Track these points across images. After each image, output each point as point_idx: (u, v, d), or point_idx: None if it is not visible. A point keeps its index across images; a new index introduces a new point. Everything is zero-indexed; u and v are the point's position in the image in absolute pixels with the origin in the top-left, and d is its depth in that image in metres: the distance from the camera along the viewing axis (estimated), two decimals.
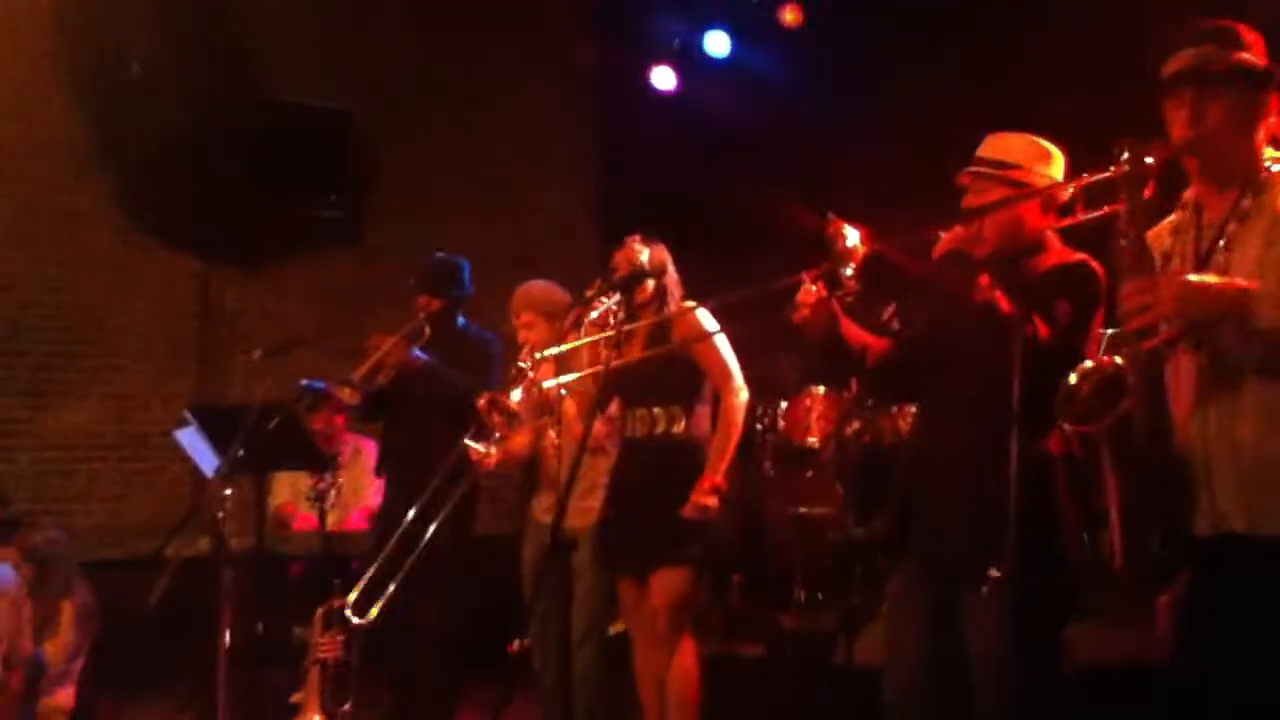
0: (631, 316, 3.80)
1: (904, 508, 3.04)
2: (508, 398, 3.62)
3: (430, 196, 7.41)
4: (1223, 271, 2.37)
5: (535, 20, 7.76)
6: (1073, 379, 2.30)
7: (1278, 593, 2.32)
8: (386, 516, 4.91)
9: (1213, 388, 2.38)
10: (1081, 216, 2.75)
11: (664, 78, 7.34)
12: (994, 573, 2.47)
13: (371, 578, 3.89)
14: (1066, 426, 2.50)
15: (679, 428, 3.88)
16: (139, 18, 6.13)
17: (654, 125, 7.42)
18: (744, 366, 3.98)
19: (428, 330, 4.87)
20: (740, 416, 3.87)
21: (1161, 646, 4.00)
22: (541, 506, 4.59)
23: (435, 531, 4.56)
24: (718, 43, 7.20)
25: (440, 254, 5.14)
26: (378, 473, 5.21)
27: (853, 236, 2.81)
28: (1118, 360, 2.26)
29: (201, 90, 6.25)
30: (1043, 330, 2.64)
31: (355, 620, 3.83)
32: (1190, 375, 2.43)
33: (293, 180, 6.67)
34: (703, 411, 3.95)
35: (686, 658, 3.83)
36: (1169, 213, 2.60)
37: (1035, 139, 3.03)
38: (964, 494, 2.84)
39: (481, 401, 3.53)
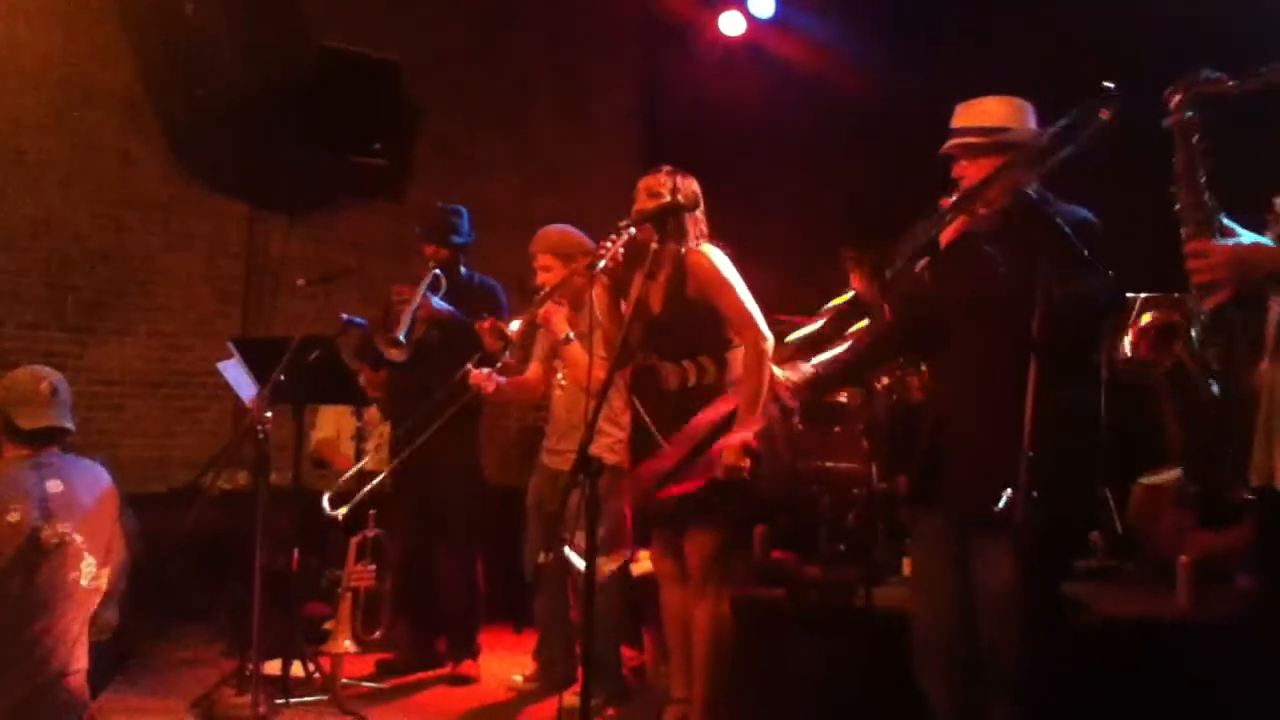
0: (648, 251, 3.69)
1: (927, 461, 3.13)
2: (507, 324, 3.81)
3: (474, 155, 7.52)
4: None
5: None
6: (1129, 337, 2.40)
7: None
8: (397, 456, 5.04)
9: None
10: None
11: (733, 23, 7.31)
12: (1007, 492, 2.51)
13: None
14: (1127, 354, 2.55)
15: (709, 378, 3.77)
16: None
17: (702, 94, 7.42)
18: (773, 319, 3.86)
19: (443, 282, 4.99)
20: (765, 366, 3.69)
21: (1180, 605, 4.08)
22: (548, 448, 4.71)
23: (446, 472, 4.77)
24: (763, 4, 7.18)
25: (441, 205, 5.26)
26: (384, 416, 5.30)
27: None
28: (1172, 316, 2.35)
29: (253, 37, 6.37)
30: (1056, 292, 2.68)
31: (330, 512, 4.42)
32: (1273, 322, 2.49)
33: (340, 129, 6.77)
34: (736, 355, 3.81)
35: (721, 606, 3.79)
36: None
37: (1008, 97, 3.08)
38: (981, 445, 2.91)
39: (483, 325, 3.67)
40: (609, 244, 3.50)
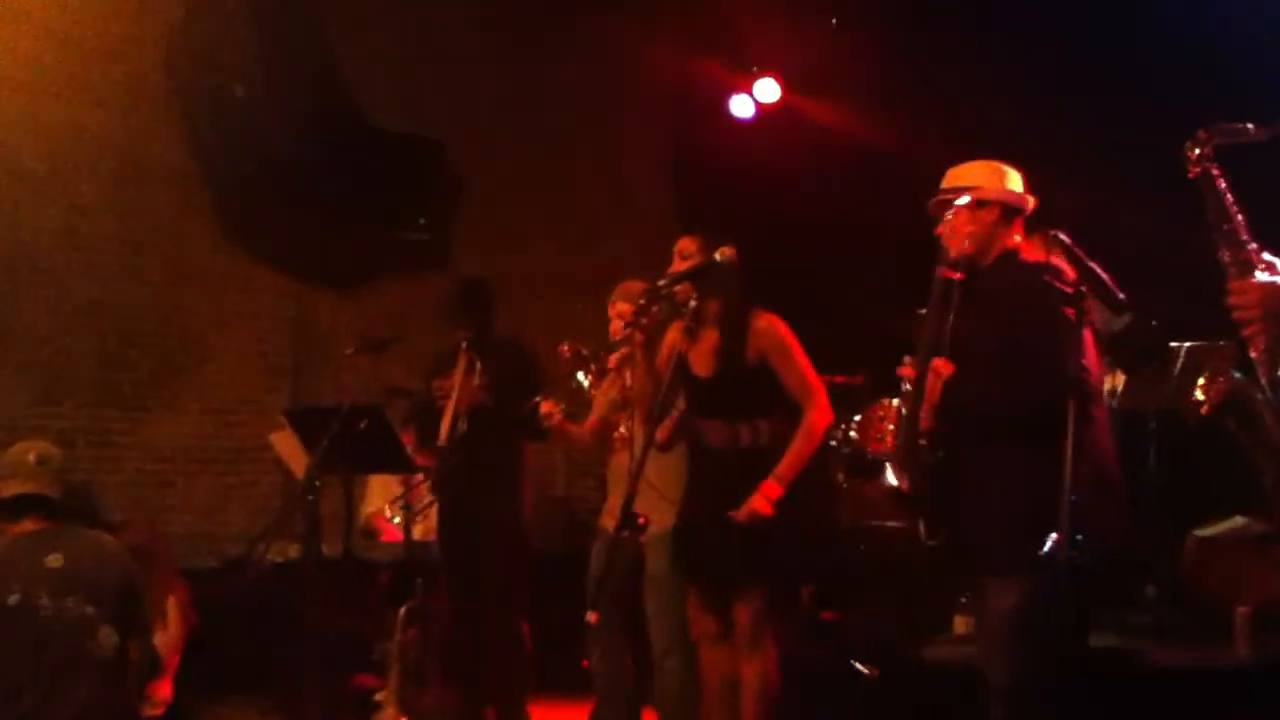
0: (698, 314, 3.73)
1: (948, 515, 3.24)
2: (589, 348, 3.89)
3: (514, 225, 7.63)
4: None
5: (619, 56, 7.97)
6: (1199, 395, 2.46)
7: None
8: (446, 524, 5.08)
9: None
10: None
11: (743, 105, 7.45)
12: (1053, 536, 2.57)
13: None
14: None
15: (764, 440, 3.80)
16: (245, 45, 6.46)
17: (733, 158, 7.52)
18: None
19: (479, 364, 4.93)
20: (820, 434, 3.80)
21: (1239, 655, 4.02)
22: (609, 511, 4.70)
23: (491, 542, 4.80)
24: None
25: (460, 281, 5.29)
26: (432, 488, 5.31)
27: None
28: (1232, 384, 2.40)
29: (301, 116, 6.54)
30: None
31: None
32: None
33: (385, 205, 6.92)
34: (787, 427, 3.82)
35: (769, 664, 3.77)
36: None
37: (991, 161, 3.29)
38: (978, 494, 3.10)
39: (565, 347, 3.74)
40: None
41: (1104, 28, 5.87)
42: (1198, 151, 2.51)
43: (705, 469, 3.92)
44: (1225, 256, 2.46)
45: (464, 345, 4.98)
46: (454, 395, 4.82)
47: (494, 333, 5.18)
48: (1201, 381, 2.53)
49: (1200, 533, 4.71)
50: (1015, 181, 3.28)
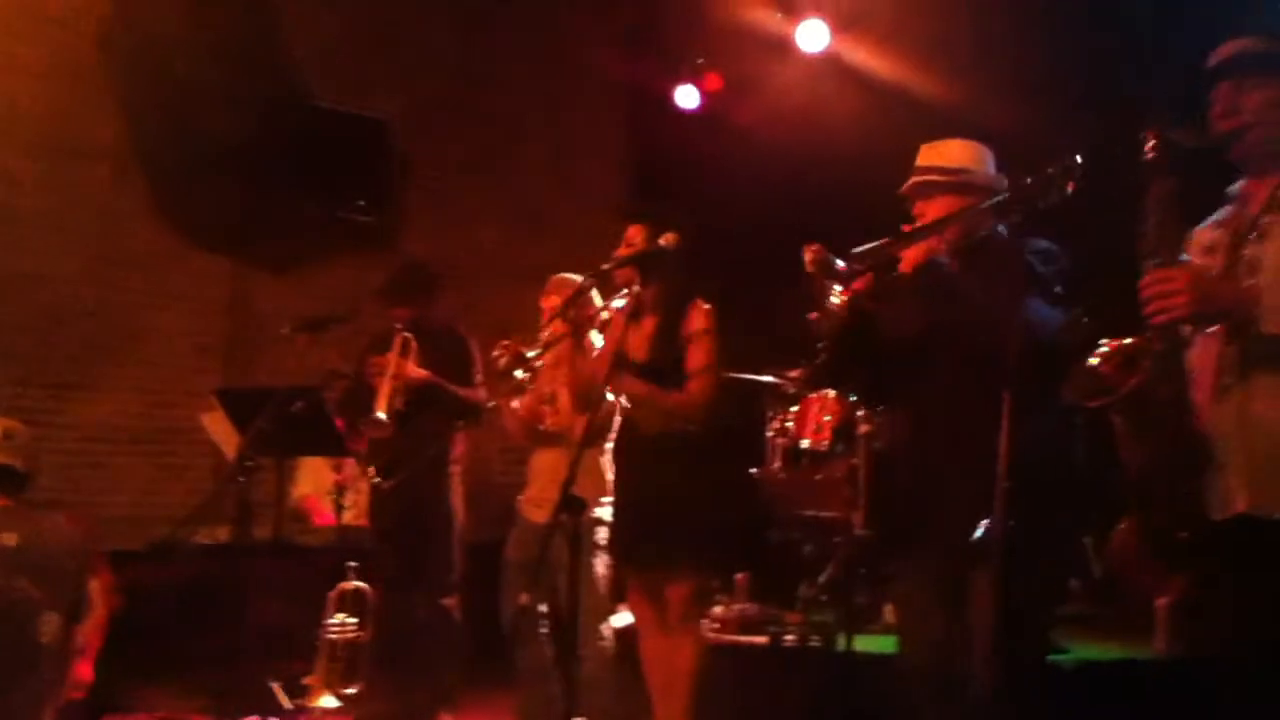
0: (641, 299, 3.80)
1: (909, 504, 3.19)
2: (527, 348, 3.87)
3: (460, 211, 7.58)
4: (1254, 264, 2.42)
5: (569, 43, 7.94)
6: (1092, 361, 2.42)
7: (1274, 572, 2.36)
8: (379, 509, 5.08)
9: (1232, 372, 2.43)
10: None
11: (688, 97, 7.44)
12: (984, 523, 2.55)
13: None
14: (1088, 405, 2.55)
15: (694, 425, 3.82)
16: (182, 22, 6.33)
17: (683, 147, 7.51)
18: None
19: (413, 343, 4.98)
20: (683, 409, 3.79)
21: (1158, 648, 4.09)
22: (528, 499, 4.71)
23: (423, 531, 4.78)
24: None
25: (406, 262, 5.34)
26: (365, 465, 5.27)
27: (836, 262, 2.93)
28: (1131, 340, 2.36)
29: (241, 94, 6.44)
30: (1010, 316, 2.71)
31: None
32: (1214, 359, 2.47)
33: (326, 185, 6.83)
34: (714, 413, 3.86)
35: (699, 646, 3.87)
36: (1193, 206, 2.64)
37: (970, 142, 3.18)
38: (957, 486, 2.94)
39: (503, 344, 3.73)
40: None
41: None
42: (1153, 141, 2.49)
43: (635, 454, 3.94)
44: (1150, 247, 2.45)
45: (398, 326, 4.96)
46: (388, 372, 4.79)
47: (433, 318, 5.16)
48: (1093, 360, 2.47)
49: (1124, 526, 4.78)
50: (991, 163, 3.20)
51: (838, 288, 2.96)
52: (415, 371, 4.90)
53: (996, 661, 2.78)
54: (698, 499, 3.77)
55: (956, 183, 3.11)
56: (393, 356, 4.88)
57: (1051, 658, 3.75)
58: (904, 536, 3.26)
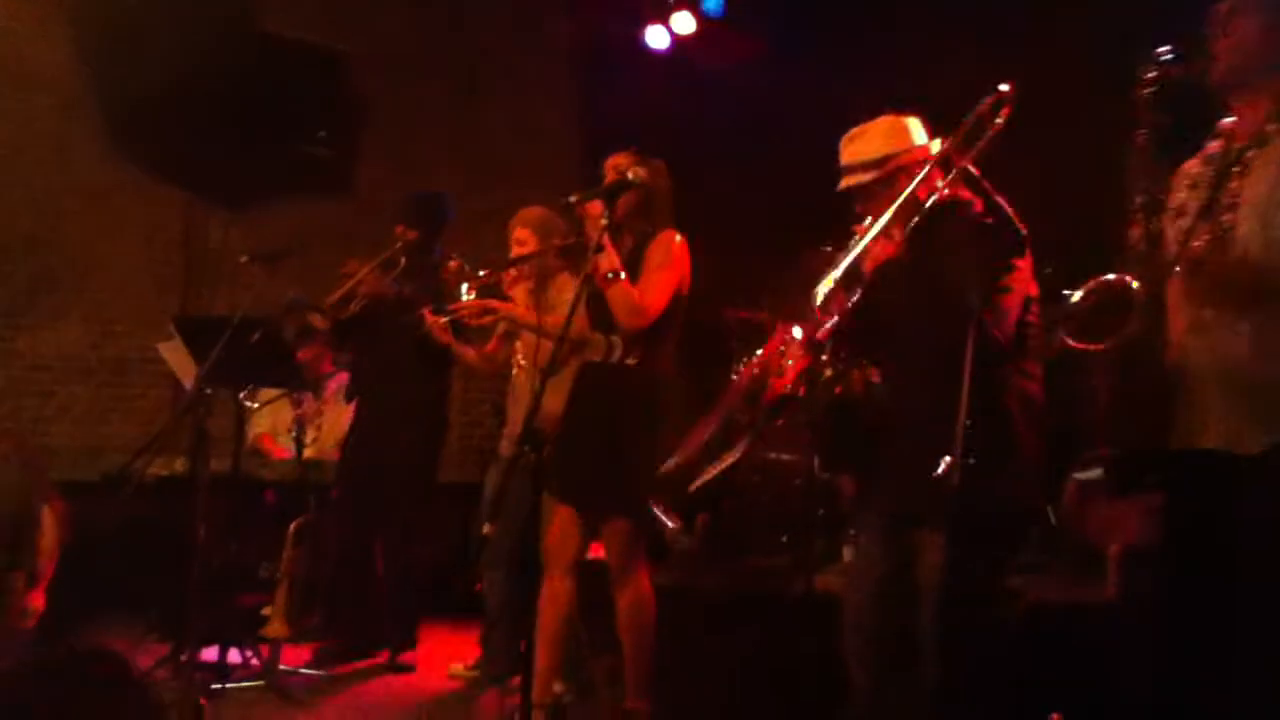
0: (615, 230, 3.69)
1: (868, 456, 3.21)
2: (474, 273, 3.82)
3: (418, 150, 7.47)
4: (1234, 199, 2.40)
5: None
6: (1076, 296, 2.42)
7: (1248, 512, 2.38)
8: (354, 443, 5.04)
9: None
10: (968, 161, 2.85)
11: (658, 37, 7.36)
12: (945, 459, 2.56)
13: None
14: (1070, 342, 2.54)
15: (633, 359, 3.76)
16: None
17: (644, 96, 7.44)
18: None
19: (403, 261, 4.96)
20: (623, 309, 3.67)
21: (1108, 593, 4.17)
22: (507, 435, 4.70)
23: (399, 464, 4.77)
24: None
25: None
26: (347, 398, 5.28)
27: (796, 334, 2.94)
28: (1125, 278, 2.37)
29: (195, 23, 6.29)
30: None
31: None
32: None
33: (282, 118, 6.71)
34: (665, 350, 3.84)
35: (640, 591, 3.75)
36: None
37: (887, 119, 3.08)
38: (918, 440, 2.93)
39: (450, 264, 3.68)
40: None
41: None
42: (1153, 74, 2.46)
43: (580, 384, 3.87)
44: (1135, 181, 2.45)
45: (399, 245, 4.96)
46: (359, 274, 4.79)
47: (434, 250, 5.12)
48: (1077, 296, 2.48)
49: (1079, 476, 4.86)
50: (918, 132, 3.10)
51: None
52: (386, 286, 4.86)
53: (943, 613, 2.84)
54: (633, 437, 3.69)
55: (886, 175, 3.02)
56: (371, 264, 4.86)
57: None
58: (859, 481, 3.29)
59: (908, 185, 2.90)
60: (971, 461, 2.61)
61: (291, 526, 4.70)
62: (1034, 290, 3.04)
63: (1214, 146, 2.58)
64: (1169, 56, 2.45)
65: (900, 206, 2.88)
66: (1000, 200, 2.96)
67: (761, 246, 5.49)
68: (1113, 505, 4.41)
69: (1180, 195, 2.54)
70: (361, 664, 4.98)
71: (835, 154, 3.18)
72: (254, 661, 4.46)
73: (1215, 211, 2.41)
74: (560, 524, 3.81)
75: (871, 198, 3.03)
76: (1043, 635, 3.91)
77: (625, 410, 3.72)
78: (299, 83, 6.72)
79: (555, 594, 3.77)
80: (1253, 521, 2.36)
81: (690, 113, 7.11)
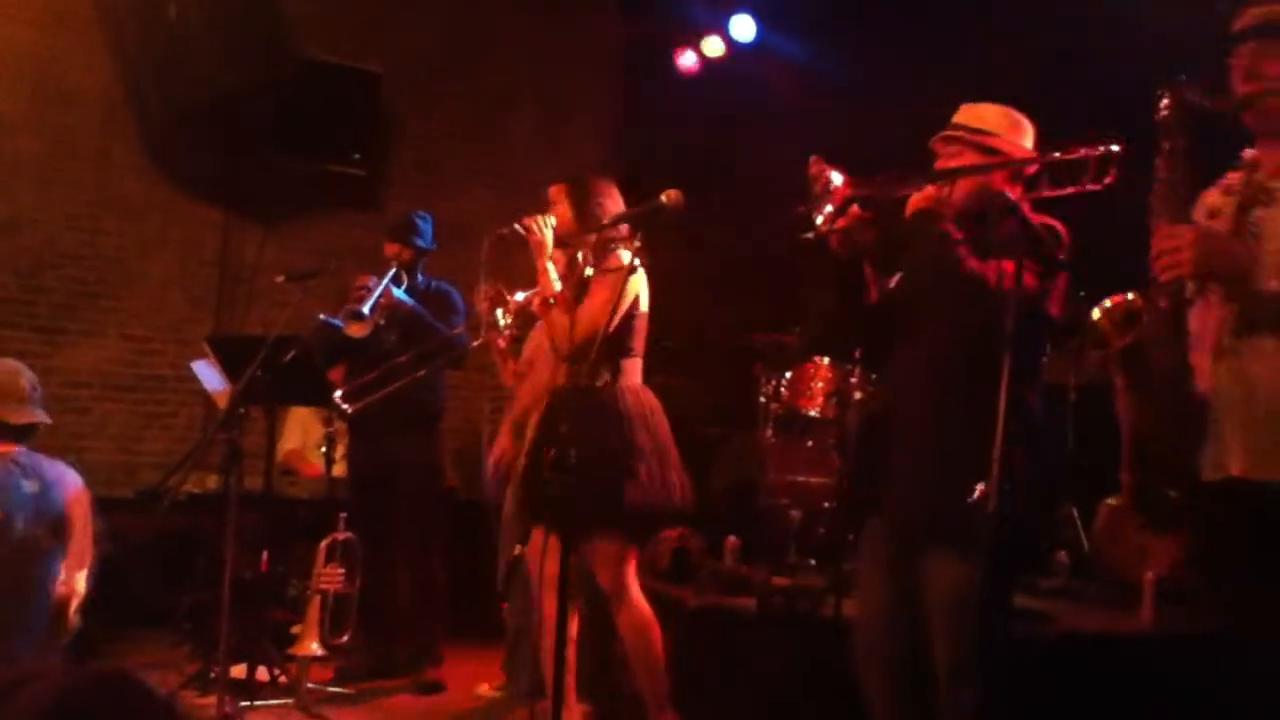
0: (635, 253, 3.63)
1: (876, 469, 3.17)
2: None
3: (451, 168, 7.53)
4: (1259, 228, 2.41)
5: (564, 3, 7.88)
6: (1095, 314, 2.42)
7: (1268, 539, 2.36)
8: (355, 462, 5.15)
9: (1232, 333, 2.42)
10: (1046, 193, 2.85)
11: (688, 60, 7.41)
12: (979, 487, 2.53)
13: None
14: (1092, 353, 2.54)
15: (601, 380, 3.76)
16: None
17: (679, 111, 7.47)
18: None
19: (404, 277, 5.07)
20: (563, 347, 3.76)
21: (1143, 622, 4.13)
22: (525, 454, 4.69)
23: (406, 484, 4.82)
24: (743, 27, 7.27)
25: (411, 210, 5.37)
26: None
27: (836, 178, 2.88)
28: (1134, 295, 2.37)
29: (235, 43, 6.36)
30: (1008, 284, 2.66)
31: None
32: (1216, 321, 2.46)
33: (318, 138, 6.78)
34: (631, 364, 3.84)
35: (637, 612, 3.73)
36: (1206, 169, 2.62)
37: (1009, 109, 3.09)
38: (927, 454, 2.94)
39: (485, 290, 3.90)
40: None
41: None
42: (1167, 99, 2.47)
43: (549, 409, 3.84)
44: (1158, 205, 2.45)
45: (395, 263, 5.08)
46: (377, 288, 4.89)
47: (421, 274, 5.19)
48: (1095, 314, 2.47)
49: (1112, 501, 4.83)
50: (1028, 137, 3.08)
51: (829, 208, 2.86)
52: (401, 298, 4.92)
53: (958, 633, 2.78)
54: (605, 458, 3.63)
55: (979, 143, 3.02)
56: (384, 279, 4.94)
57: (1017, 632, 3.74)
58: (868, 504, 3.25)
59: (991, 170, 2.92)
60: (1008, 489, 2.55)
61: (322, 544, 4.71)
62: (1057, 311, 3.02)
63: (1234, 177, 2.57)
64: (1182, 80, 2.45)
65: (970, 170, 2.92)
66: (1053, 222, 2.96)
67: (792, 268, 5.47)
68: (1143, 534, 4.38)
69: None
70: (388, 682, 5.00)
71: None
72: (282, 679, 4.48)
73: (1241, 239, 2.40)
74: (549, 547, 3.69)
75: (954, 158, 3.02)
76: (1077, 665, 3.88)
77: (595, 431, 3.65)
78: (334, 103, 6.78)
79: (552, 616, 3.67)
80: None
81: (722, 134, 7.13)
